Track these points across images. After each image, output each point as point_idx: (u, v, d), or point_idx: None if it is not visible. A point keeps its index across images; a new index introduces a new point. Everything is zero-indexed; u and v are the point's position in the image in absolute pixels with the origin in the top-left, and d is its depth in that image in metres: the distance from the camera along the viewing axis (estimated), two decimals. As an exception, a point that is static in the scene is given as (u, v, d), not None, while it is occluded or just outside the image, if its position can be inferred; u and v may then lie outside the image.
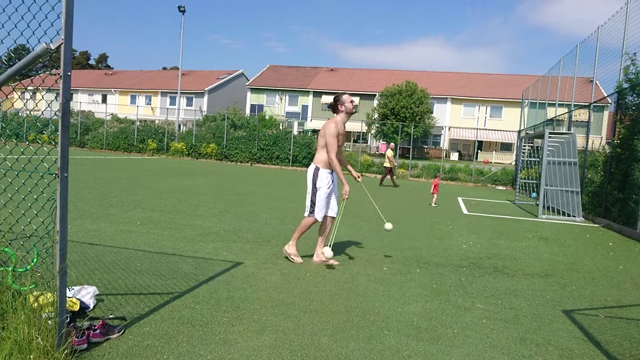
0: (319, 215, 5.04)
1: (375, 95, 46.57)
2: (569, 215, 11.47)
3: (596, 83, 12.98)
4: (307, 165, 25.84)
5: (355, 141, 41.66)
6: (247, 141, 27.64)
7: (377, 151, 44.23)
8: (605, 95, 12.14)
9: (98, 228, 6.06)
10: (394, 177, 19.25)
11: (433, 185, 12.51)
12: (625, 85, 10.69)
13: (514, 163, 22.78)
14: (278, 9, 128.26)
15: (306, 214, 5.08)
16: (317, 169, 5.03)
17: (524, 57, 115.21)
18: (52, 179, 2.57)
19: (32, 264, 2.97)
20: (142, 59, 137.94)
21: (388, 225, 5.63)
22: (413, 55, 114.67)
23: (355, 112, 5.24)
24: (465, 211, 11.60)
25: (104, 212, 7.26)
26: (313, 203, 5.03)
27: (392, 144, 20.23)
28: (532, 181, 15.95)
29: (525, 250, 6.82)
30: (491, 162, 40.53)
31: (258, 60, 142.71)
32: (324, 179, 5.00)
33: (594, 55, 12.47)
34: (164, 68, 77.82)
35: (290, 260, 5.06)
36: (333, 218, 5.23)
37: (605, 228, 10.11)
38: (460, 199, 14.78)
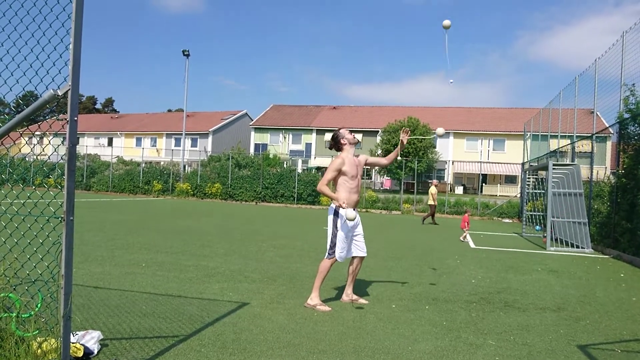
0: (339, 256, 4.88)
1: (378, 131, 46.96)
2: (577, 246, 11.33)
3: (597, 114, 13.07)
4: (312, 203, 26.00)
5: (359, 177, 41.66)
6: (251, 180, 27.75)
7: (382, 187, 44.26)
8: (607, 125, 12.20)
9: (103, 271, 6.02)
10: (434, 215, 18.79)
11: (464, 222, 12.76)
12: (626, 116, 10.75)
13: (519, 195, 22.72)
14: (280, 50, 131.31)
15: (325, 255, 4.91)
16: (336, 211, 4.90)
17: (524, 91, 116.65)
18: (58, 222, 2.58)
19: (37, 309, 2.94)
20: (148, 102, 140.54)
21: (440, 130, 5.39)
22: (414, 91, 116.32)
23: (358, 142, 5.21)
24: (472, 245, 11.48)
25: (109, 255, 7.23)
26: (333, 244, 4.86)
27: (436, 181, 19.79)
28: (539, 213, 15.84)
29: (535, 284, 6.70)
30: (496, 195, 40.38)
31: (261, 100, 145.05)
32: (345, 219, 4.84)
33: (593, 87, 12.61)
34: (169, 110, 79.09)
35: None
36: (362, 258, 5.15)
37: (616, 259, 9.96)
38: (467, 233, 14.64)
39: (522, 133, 25.64)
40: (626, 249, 9.94)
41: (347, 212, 4.59)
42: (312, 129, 51.01)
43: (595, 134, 12.72)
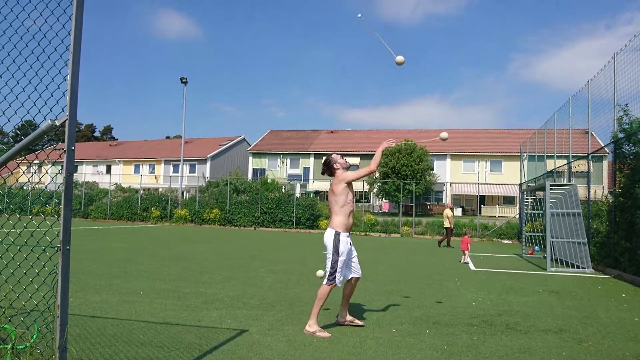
0: (339, 281, 4.83)
1: (375, 154, 47.12)
2: (578, 267, 11.28)
3: (592, 134, 13.18)
4: (311, 227, 25.93)
5: (357, 201, 41.73)
6: (250, 205, 27.73)
7: (380, 210, 44.21)
8: (602, 145, 12.29)
9: (100, 300, 5.97)
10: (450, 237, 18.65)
11: (464, 243, 12.79)
12: (621, 135, 10.85)
13: (518, 216, 22.71)
14: (277, 77, 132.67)
15: (325, 281, 4.84)
16: (337, 234, 4.86)
17: (519, 112, 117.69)
18: (54, 252, 2.57)
19: (32, 340, 2.91)
20: (146, 129, 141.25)
21: (399, 58, 5.11)
22: (410, 114, 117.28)
23: (350, 166, 5.23)
24: (472, 267, 11.42)
25: (106, 283, 7.17)
26: (334, 270, 4.80)
27: (450, 204, 19.66)
28: (538, 234, 15.81)
29: (536, 305, 6.65)
30: (495, 217, 40.34)
31: (259, 126, 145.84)
32: (345, 243, 4.85)
33: (587, 108, 12.75)
34: (167, 137, 79.44)
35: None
36: (358, 279, 5.15)
37: (617, 279, 9.91)
38: (467, 254, 14.58)
39: (519, 154, 25.77)
40: (627, 269, 9.90)
41: (343, 252, 4.78)
42: (309, 154, 51.23)
43: (591, 153, 12.81)
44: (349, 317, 5.14)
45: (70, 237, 2.54)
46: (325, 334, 4.66)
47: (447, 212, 18.37)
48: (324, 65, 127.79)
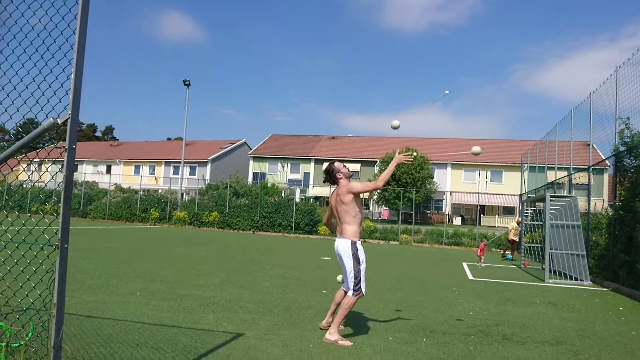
0: (364, 289, 4.79)
1: (376, 162, 47.19)
2: (576, 279, 11.25)
3: (593, 146, 13.19)
4: (310, 233, 25.88)
5: (357, 207, 41.68)
6: (249, 209, 27.70)
7: (380, 217, 44.18)
8: (603, 158, 12.29)
9: (97, 300, 5.95)
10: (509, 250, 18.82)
11: (479, 249, 14.40)
12: (622, 149, 10.85)
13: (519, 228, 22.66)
14: (278, 83, 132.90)
15: (351, 293, 4.75)
16: (354, 243, 4.82)
17: (521, 123, 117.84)
18: (52, 250, 2.56)
19: (27, 339, 2.90)
20: (148, 131, 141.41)
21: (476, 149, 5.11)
22: (412, 122, 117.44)
23: (352, 175, 5.21)
24: (470, 276, 11.39)
25: (103, 283, 7.15)
26: (358, 280, 4.74)
27: (519, 218, 19.20)
28: (537, 245, 15.79)
29: (534, 316, 6.63)
30: (495, 227, 40.30)
31: (260, 130, 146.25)
32: (363, 251, 4.85)
33: (589, 120, 12.76)
34: (168, 139, 79.54)
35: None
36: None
37: (615, 292, 9.88)
38: (465, 264, 14.57)
39: (520, 164, 25.77)
40: (625, 282, 9.88)
41: (364, 260, 4.80)
42: (310, 159, 51.25)
43: (592, 166, 12.81)
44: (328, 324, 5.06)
45: (68, 236, 2.53)
46: (346, 342, 4.57)
47: (513, 224, 18.56)
48: (326, 70, 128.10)
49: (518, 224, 18.27)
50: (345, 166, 5.15)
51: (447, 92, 5.47)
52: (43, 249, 2.70)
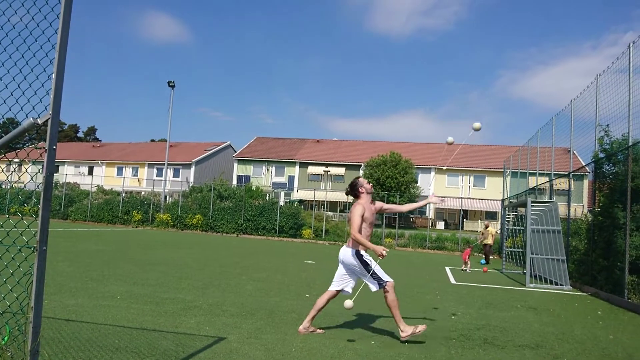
0: (388, 278, 5.04)
1: (360, 165, 47.34)
2: (556, 283, 11.41)
3: (574, 153, 13.41)
4: (294, 236, 25.84)
5: (341, 211, 41.79)
6: (233, 212, 27.56)
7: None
8: (584, 164, 12.51)
9: (76, 303, 5.86)
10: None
11: (465, 254, 14.65)
12: (602, 155, 11.05)
13: (499, 232, 23.00)
14: (267, 84, 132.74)
15: (381, 289, 5.03)
16: (357, 252, 5.09)
17: (504, 129, 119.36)
18: (30, 252, 2.52)
19: (3, 342, 2.84)
20: (131, 132, 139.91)
21: (348, 303, 5.10)
22: (397, 126, 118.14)
23: (373, 191, 5.47)
24: (453, 281, 11.48)
25: (83, 286, 7.05)
26: (377, 275, 5.02)
27: (487, 222, 19.77)
28: (518, 249, 15.98)
29: (514, 321, 6.70)
30: (477, 231, 40.67)
31: (246, 132, 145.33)
32: (367, 255, 5.10)
33: (570, 127, 12.98)
34: (152, 140, 78.82)
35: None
36: (340, 292, 5.30)
37: (593, 296, 10.04)
38: (447, 269, 14.68)
39: (502, 170, 26.08)
40: (603, 287, 10.04)
41: (369, 258, 4.98)
42: (295, 162, 51.21)
43: (572, 172, 13.02)
44: (311, 327, 5.20)
45: (47, 237, 2.49)
46: (420, 327, 4.96)
47: (492, 229, 18.66)
48: (313, 74, 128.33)
49: (487, 228, 18.66)
50: (369, 182, 5.43)
51: (474, 130, 5.87)
52: (21, 251, 2.65)
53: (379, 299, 7.84)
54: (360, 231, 5.04)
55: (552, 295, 10.05)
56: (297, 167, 50.97)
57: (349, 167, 48.78)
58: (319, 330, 5.22)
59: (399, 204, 5.43)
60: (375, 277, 5.02)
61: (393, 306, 5.01)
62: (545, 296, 9.78)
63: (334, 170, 49.46)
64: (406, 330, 4.95)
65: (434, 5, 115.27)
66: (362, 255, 5.08)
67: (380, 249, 4.83)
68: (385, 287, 5.01)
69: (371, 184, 5.45)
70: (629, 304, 8.58)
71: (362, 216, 5.08)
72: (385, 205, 5.61)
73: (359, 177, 5.49)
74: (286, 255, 16.03)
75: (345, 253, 5.18)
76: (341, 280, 5.29)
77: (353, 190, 5.36)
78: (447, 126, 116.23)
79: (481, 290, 9.96)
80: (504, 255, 15.99)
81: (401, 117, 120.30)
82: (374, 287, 5.07)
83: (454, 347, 4.98)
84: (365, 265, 5.06)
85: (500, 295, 9.49)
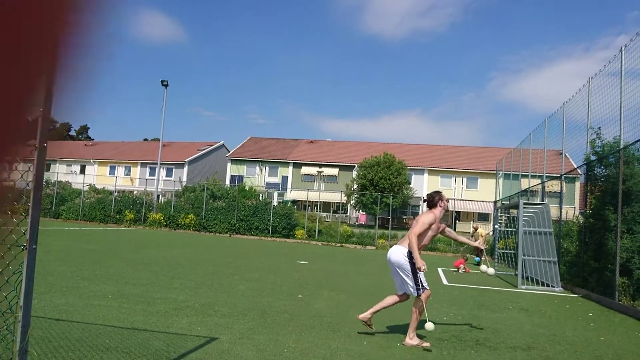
0: (427, 286, 5.14)
1: (354, 166, 47.36)
2: (548, 285, 11.47)
3: (566, 155, 13.50)
4: (287, 237, 25.80)
5: (334, 212, 41.83)
6: (226, 212, 27.48)
7: (357, 222, 44.33)
8: (575, 167, 12.58)
9: (67, 302, 5.81)
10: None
11: (459, 262, 14.69)
12: (593, 158, 11.12)
13: (491, 233, 23.12)
14: (260, 84, 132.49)
15: (416, 294, 5.09)
16: (410, 252, 5.16)
17: (497, 130, 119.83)
18: (20, 251, 2.49)
19: (-9, 342, 2.81)
20: (124, 131, 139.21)
21: (487, 269, 5.78)
22: (391, 127, 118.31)
23: (448, 210, 5.67)
24: (445, 282, 11.51)
25: (74, 286, 6.99)
26: (418, 281, 5.09)
27: (476, 224, 19.47)
28: (511, 251, 16.05)
29: (506, 322, 6.73)
30: (469, 233, 40.80)
31: (240, 132, 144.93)
32: (419, 258, 5.13)
33: (562, 129, 13.06)
34: (145, 139, 78.43)
35: (425, 349, 4.89)
36: (407, 297, 5.34)
37: (585, 298, 10.10)
38: (440, 270, 14.71)
39: (495, 172, 26.21)
40: (594, 289, 10.10)
41: (419, 266, 5.03)
42: (289, 162, 51.16)
43: (564, 174, 13.10)
44: (369, 321, 5.31)
45: (37, 236, 2.47)
46: (427, 343, 4.95)
47: (482, 231, 18.55)
48: (307, 74, 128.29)
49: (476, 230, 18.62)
50: (448, 200, 5.65)
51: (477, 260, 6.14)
52: (10, 250, 2.62)
53: (369, 298, 7.84)
54: (419, 237, 5.16)
55: (544, 296, 10.09)
56: (291, 168, 50.91)
57: (342, 167, 48.79)
58: (371, 328, 5.33)
59: (456, 233, 5.66)
60: (416, 282, 5.10)
61: (418, 312, 5.08)
62: (537, 298, 9.82)
63: (327, 171, 49.46)
64: (413, 340, 4.98)
65: (429, 7, 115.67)
66: (411, 258, 5.16)
67: (421, 263, 4.99)
68: (422, 294, 5.09)
69: (448, 203, 5.63)
70: (619, 306, 8.63)
71: (430, 225, 5.23)
72: (447, 230, 5.72)
73: (440, 191, 5.68)
74: (279, 255, 16.00)
75: (397, 252, 5.28)
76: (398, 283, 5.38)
77: (432, 200, 5.48)
78: (441, 127, 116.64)
79: (473, 292, 9.99)
80: (496, 256, 16.05)
81: (395, 118, 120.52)
82: (413, 291, 5.15)
83: (446, 348, 4.98)
84: (413, 266, 5.12)
85: (492, 296, 9.52)
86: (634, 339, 6.22)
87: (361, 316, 5.33)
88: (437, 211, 5.43)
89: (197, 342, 4.48)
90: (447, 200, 5.62)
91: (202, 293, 7.22)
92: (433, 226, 5.31)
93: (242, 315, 5.86)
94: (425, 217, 5.33)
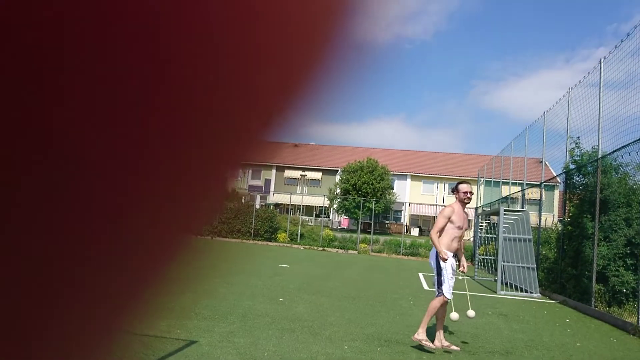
0: (447, 293, 5.15)
1: (337, 170, 47.47)
2: (526, 291, 11.61)
3: (546, 163, 13.72)
4: (269, 240, 25.74)
5: (317, 216, 41.83)
6: (208, 214, 27.28)
7: (339, 226, 44.38)
8: (555, 175, 12.80)
9: (43, 304, 5.70)
10: None
11: None
12: (572, 166, 11.33)
13: (472, 239, 23.36)
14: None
15: (436, 293, 5.20)
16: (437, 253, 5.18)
17: (479, 138, 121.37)
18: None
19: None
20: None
21: (454, 315, 5.50)
22: (375, 132, 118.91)
23: (466, 202, 5.27)
24: (426, 287, 11.58)
25: (51, 287, 6.86)
26: (441, 283, 5.14)
27: None
28: (490, 257, 16.23)
29: (485, 327, 6.79)
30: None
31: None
32: (448, 259, 5.15)
33: (542, 138, 13.28)
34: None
35: (424, 348, 4.92)
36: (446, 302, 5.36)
37: (562, 304, 10.25)
38: (421, 275, 14.81)
39: (476, 178, 26.52)
40: (571, 295, 10.27)
41: (446, 266, 5.11)
42: (272, 165, 50.97)
43: (544, 182, 13.32)
44: (445, 342, 5.17)
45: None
46: (431, 344, 4.97)
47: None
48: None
49: None
50: (465, 192, 5.25)
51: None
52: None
53: (350, 302, 7.86)
54: (440, 233, 5.12)
55: (522, 302, 10.22)
56: (274, 171, 50.80)
57: (325, 171, 48.89)
58: (453, 347, 5.21)
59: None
60: (439, 282, 5.17)
61: (430, 310, 5.15)
62: (516, 303, 9.94)
63: (310, 175, 49.48)
64: (421, 336, 5.01)
65: (414, 14, 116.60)
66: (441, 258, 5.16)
67: (444, 254, 5.03)
68: (439, 296, 5.17)
69: (467, 194, 5.24)
70: (595, 312, 8.79)
71: (449, 218, 5.11)
72: (463, 224, 5.47)
73: (463, 180, 5.50)
74: (261, 258, 15.93)
75: (432, 252, 5.34)
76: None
77: (456, 189, 5.34)
78: (423, 134, 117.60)
79: (454, 297, 10.05)
80: (476, 262, 16.21)
81: (381, 123, 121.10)
82: (436, 290, 5.25)
83: (426, 352, 5.01)
84: (439, 268, 5.15)
85: (472, 301, 9.60)
86: (609, 345, 6.34)
87: (437, 344, 5.12)
88: (455, 203, 5.24)
89: (176, 345, 4.43)
90: (466, 192, 5.17)
91: (182, 296, 7.14)
92: (454, 217, 5.07)
93: (223, 318, 5.81)
94: (443, 212, 5.24)
